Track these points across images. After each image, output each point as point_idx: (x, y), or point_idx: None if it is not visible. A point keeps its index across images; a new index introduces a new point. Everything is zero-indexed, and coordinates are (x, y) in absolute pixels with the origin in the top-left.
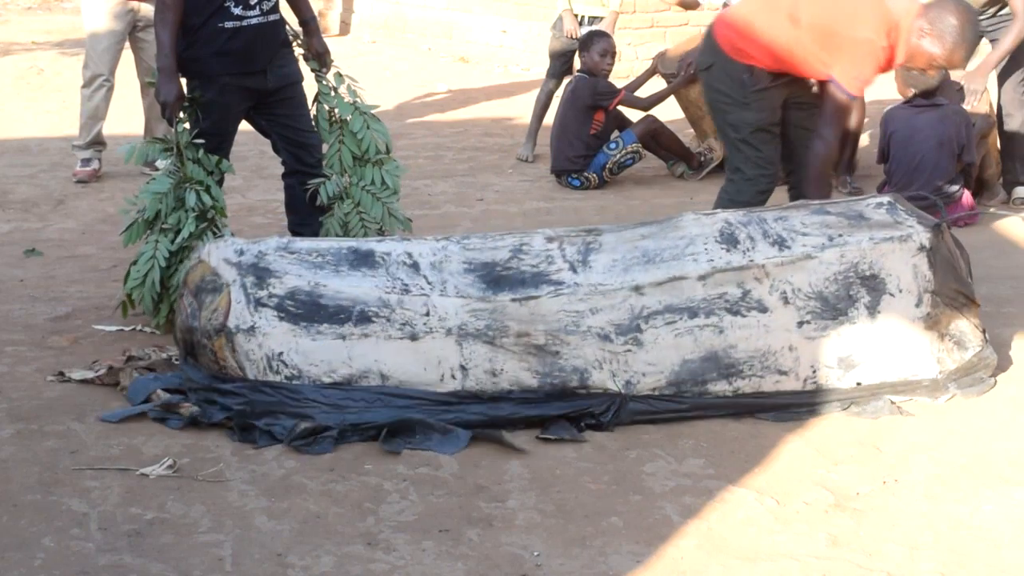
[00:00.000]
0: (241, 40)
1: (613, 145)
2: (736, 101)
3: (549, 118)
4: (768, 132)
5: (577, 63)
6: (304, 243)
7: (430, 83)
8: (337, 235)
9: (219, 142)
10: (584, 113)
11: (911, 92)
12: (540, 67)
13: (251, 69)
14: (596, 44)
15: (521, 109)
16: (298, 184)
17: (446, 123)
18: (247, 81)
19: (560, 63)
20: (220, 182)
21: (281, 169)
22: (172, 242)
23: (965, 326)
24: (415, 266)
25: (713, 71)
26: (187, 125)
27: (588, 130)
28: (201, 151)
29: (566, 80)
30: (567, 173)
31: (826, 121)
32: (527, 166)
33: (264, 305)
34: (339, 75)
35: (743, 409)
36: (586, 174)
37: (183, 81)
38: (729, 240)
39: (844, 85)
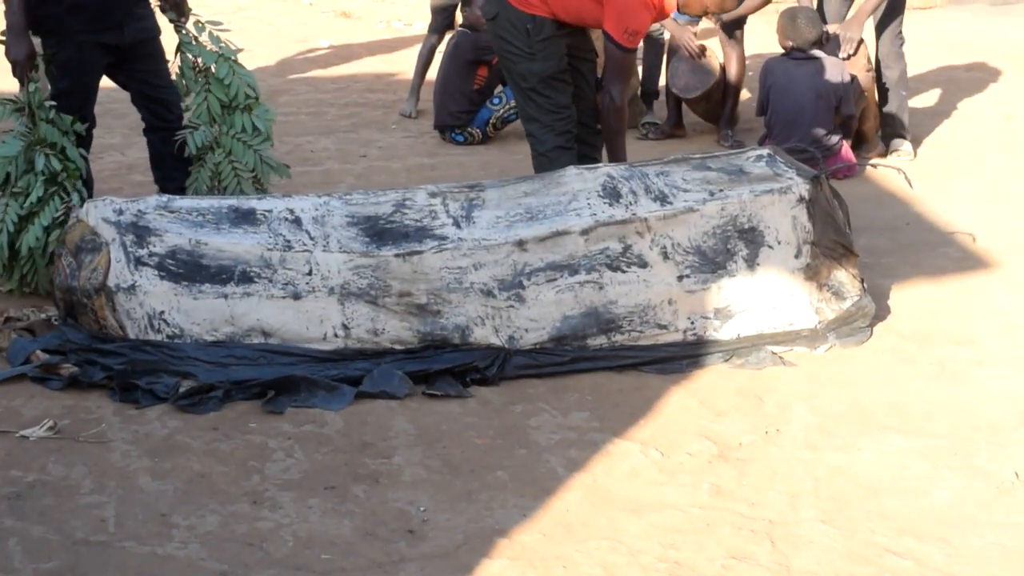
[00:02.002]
0: None
1: (496, 100)
2: (522, 52)
3: (432, 73)
4: (556, 80)
5: (459, 18)
6: (184, 202)
7: (312, 38)
8: (208, 187)
9: (81, 101)
10: (467, 68)
11: (790, 44)
12: (422, 22)
13: (107, 24)
14: (485, 8)
15: (404, 65)
16: (159, 140)
17: (328, 79)
18: (104, 37)
19: (442, 18)
20: (86, 143)
21: None
22: (21, 206)
23: (844, 276)
24: (297, 222)
25: (499, 20)
26: (39, 84)
27: (471, 85)
28: (53, 112)
29: (448, 35)
30: (450, 129)
31: (609, 77)
32: (410, 122)
33: (144, 264)
34: (199, 23)
35: (626, 360)
36: (469, 129)
37: (38, 40)
38: (612, 194)
39: (616, 39)
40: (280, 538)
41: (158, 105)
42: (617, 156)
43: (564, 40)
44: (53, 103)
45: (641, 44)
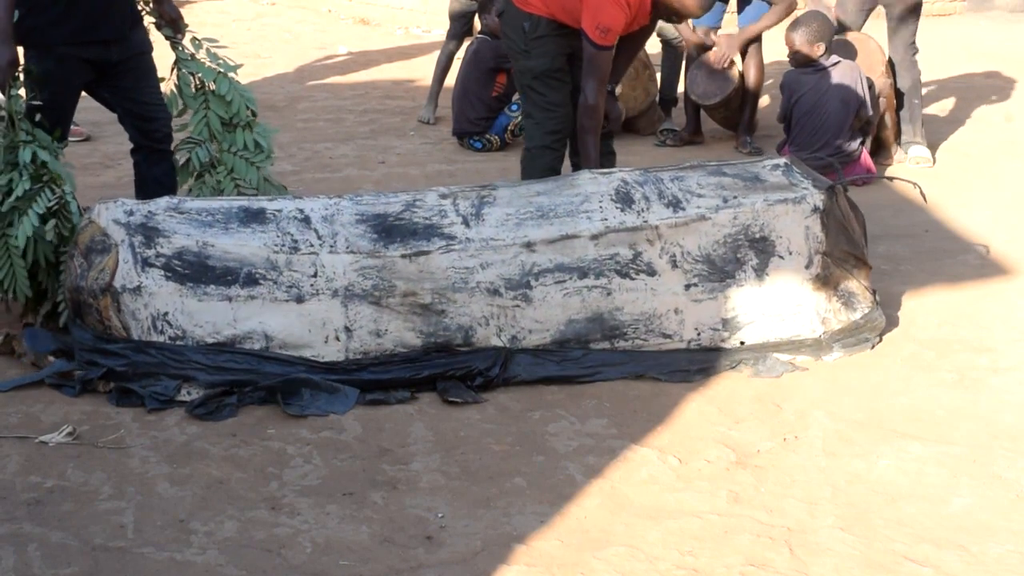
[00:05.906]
0: (81, 8)
1: (515, 107)
2: (519, 49)
3: (450, 80)
4: (551, 78)
5: (478, 25)
6: (195, 203)
7: (330, 45)
8: None
9: (57, 116)
10: (486, 75)
11: (820, 48)
12: (440, 29)
13: (92, 39)
14: (496, 6)
15: (422, 71)
16: (144, 160)
17: (347, 85)
18: (87, 52)
19: (460, 24)
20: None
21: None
22: (2, 203)
23: (855, 287)
24: (306, 220)
25: (504, 17)
26: (21, 92)
27: (490, 92)
28: (34, 124)
29: (467, 42)
30: (469, 135)
31: (585, 74)
32: (429, 128)
33: (151, 265)
34: (195, 40)
35: (629, 362)
36: (488, 136)
37: (20, 51)
38: (624, 199)
39: (590, 35)
40: (298, 544)
41: (146, 123)
42: (587, 154)
43: (563, 40)
44: (35, 113)
45: (660, 50)
